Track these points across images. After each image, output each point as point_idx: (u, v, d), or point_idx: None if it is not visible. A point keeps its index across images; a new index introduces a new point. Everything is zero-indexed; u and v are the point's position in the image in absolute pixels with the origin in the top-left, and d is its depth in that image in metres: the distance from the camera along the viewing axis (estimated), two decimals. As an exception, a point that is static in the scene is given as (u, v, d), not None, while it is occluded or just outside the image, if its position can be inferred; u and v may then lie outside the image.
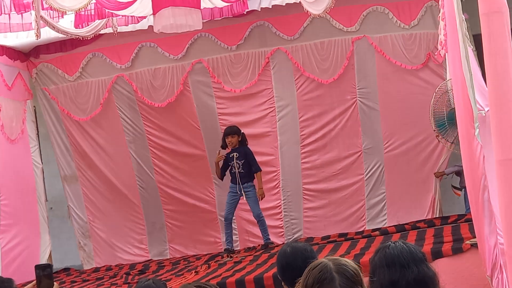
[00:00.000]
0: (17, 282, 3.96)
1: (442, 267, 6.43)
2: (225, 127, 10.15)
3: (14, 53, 10.69)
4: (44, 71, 11.25)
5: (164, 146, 11.04)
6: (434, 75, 10.05)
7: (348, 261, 2.86)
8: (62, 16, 9.12)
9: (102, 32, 9.96)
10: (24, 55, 11.05)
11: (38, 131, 11.50)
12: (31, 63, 11.22)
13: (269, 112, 10.76)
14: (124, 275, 9.40)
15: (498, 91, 4.15)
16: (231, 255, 9.47)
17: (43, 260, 10.54)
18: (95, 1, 8.59)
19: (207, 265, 8.92)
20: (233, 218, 10.08)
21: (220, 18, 10.21)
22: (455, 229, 8.23)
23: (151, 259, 10.95)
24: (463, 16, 5.61)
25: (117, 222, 11.30)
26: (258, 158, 10.09)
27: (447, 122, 8.83)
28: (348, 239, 9.34)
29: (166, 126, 10.98)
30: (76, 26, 9.50)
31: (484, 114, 5.39)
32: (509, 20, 4.21)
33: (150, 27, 9.49)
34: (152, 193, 11.19)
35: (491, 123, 4.26)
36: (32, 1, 8.15)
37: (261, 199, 9.92)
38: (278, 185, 10.73)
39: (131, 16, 9.58)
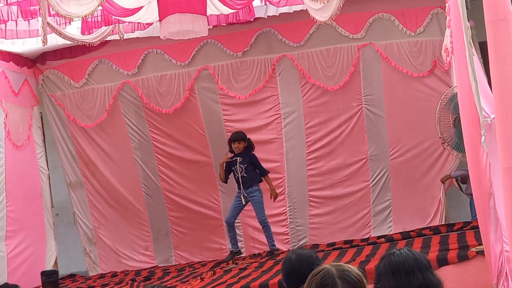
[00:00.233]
0: (23, 288, 3.97)
1: (447, 275, 6.42)
2: (230, 134, 10.16)
3: (21, 60, 10.73)
4: (51, 78, 11.28)
5: (169, 153, 11.05)
6: (440, 82, 10.04)
7: (352, 267, 2.86)
8: (69, 23, 9.16)
9: (108, 38, 10.00)
10: (31, 62, 11.09)
11: (44, 137, 11.52)
12: (37, 70, 11.26)
13: (275, 119, 10.77)
14: (130, 282, 9.40)
15: (504, 98, 4.15)
16: (236, 261, 9.46)
17: (49, 266, 10.54)
18: (101, 8, 8.61)
19: (212, 272, 8.91)
20: (235, 221, 10.05)
21: (226, 25, 10.23)
22: (460, 237, 8.21)
23: (156, 266, 10.96)
24: (469, 23, 5.61)
25: (122, 229, 11.30)
26: (263, 165, 10.09)
27: (453, 130, 8.82)
28: (353, 246, 9.33)
29: (172, 132, 11.00)
30: (83, 33, 9.54)
31: (490, 122, 5.39)
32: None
33: (157, 33, 9.51)
34: (157, 200, 11.19)
35: (496, 130, 4.26)
36: (39, 8, 8.18)
37: (275, 199, 9.94)
38: (283, 191, 10.72)
39: (138, 23, 9.62)
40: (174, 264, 10.96)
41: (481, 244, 6.34)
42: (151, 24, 9.72)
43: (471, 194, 8.06)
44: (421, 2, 10.13)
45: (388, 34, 10.28)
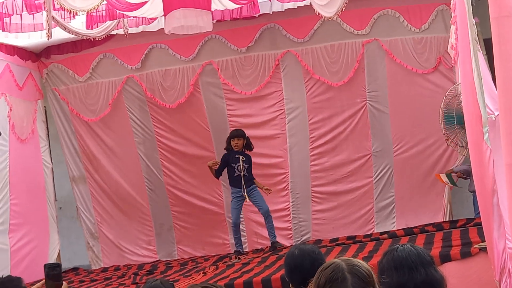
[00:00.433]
0: (26, 281, 3.97)
1: (450, 271, 6.43)
2: (233, 129, 10.18)
3: (25, 54, 10.74)
4: (55, 72, 11.29)
5: (173, 148, 11.06)
6: (444, 78, 10.03)
7: (361, 262, 2.86)
8: (74, 17, 9.17)
9: (113, 33, 10.01)
10: (35, 56, 11.10)
11: (48, 131, 11.53)
12: (42, 64, 11.26)
13: (279, 114, 10.77)
14: (132, 275, 9.42)
15: (508, 94, 4.15)
16: (240, 256, 9.48)
17: (52, 260, 10.57)
18: (106, 2, 8.61)
19: (215, 266, 8.92)
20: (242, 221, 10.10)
21: (230, 20, 10.23)
22: (463, 233, 8.21)
23: (159, 260, 10.97)
24: (474, 20, 5.61)
25: (125, 224, 11.32)
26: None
27: (456, 126, 8.81)
28: (356, 242, 9.34)
29: (176, 127, 11.00)
30: (87, 27, 9.54)
31: (494, 118, 5.39)
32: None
33: (161, 28, 9.52)
34: (160, 195, 11.20)
35: (500, 126, 4.26)
36: (44, 2, 8.17)
37: (270, 192, 9.95)
38: (287, 187, 10.73)
39: (142, 18, 9.62)
40: (176, 258, 10.97)
41: (484, 241, 6.34)
42: (155, 18, 9.71)
43: (475, 191, 8.05)
44: (426, -2, 10.13)
45: (392, 30, 10.27)
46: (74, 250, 11.90)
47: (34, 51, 11.00)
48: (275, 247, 9.73)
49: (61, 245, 11.09)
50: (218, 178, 10.12)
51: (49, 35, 8.40)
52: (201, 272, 8.70)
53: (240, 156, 9.82)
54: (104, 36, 9.80)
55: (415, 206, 10.30)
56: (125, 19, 9.76)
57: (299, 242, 10.29)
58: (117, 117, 11.16)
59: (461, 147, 8.85)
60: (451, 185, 9.72)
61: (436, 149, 10.21)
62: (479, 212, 6.87)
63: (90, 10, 8.59)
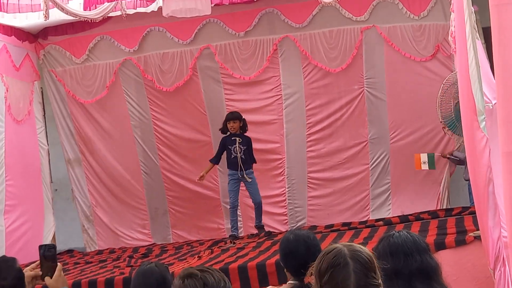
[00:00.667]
0: (21, 262, 3.97)
1: (445, 259, 6.40)
2: (229, 113, 10.18)
3: (22, 34, 10.69)
4: (52, 53, 11.25)
5: (169, 131, 11.04)
6: (442, 66, 10.02)
7: (363, 248, 2.86)
8: (71, -2, 9.11)
9: (110, 15, 9.94)
10: (33, 36, 11.05)
11: (44, 113, 11.50)
12: (39, 45, 11.22)
13: (276, 100, 10.75)
14: (127, 258, 9.43)
15: (506, 83, 4.13)
16: (235, 241, 9.49)
17: (47, 241, 10.52)
18: (104, -16, 8.57)
19: (210, 251, 8.94)
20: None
21: (229, 4, 10.18)
22: (459, 221, 8.23)
23: (154, 243, 10.98)
24: (472, 8, 5.59)
25: (120, 207, 11.31)
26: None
27: (454, 114, 8.82)
28: (351, 229, 9.36)
29: (173, 111, 10.98)
30: (85, 9, 9.47)
31: (491, 107, 5.39)
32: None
33: (159, 11, 9.47)
34: (155, 179, 11.19)
35: (498, 115, 4.25)
36: (42, -18, 8.13)
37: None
38: (283, 172, 10.73)
39: (140, 0, 9.56)
40: (171, 242, 10.98)
41: (479, 229, 6.35)
42: (153, 1, 9.66)
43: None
44: (425, -15, 10.10)
45: (391, 17, 10.24)
46: (69, 232, 11.90)
47: (31, 32, 10.95)
48: (270, 232, 9.75)
49: (56, 227, 11.09)
50: (217, 163, 10.10)
51: (46, 16, 8.36)
52: (196, 256, 8.71)
53: (237, 138, 9.80)
54: (101, 18, 9.73)
55: (411, 193, 10.32)
56: (123, 1, 9.70)
57: (294, 227, 10.31)
58: (114, 100, 11.13)
59: (458, 135, 8.86)
60: (428, 168, 9.63)
61: (433, 137, 10.21)
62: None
63: (88, -8, 8.55)
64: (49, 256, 3.93)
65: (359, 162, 10.54)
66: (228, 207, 10.05)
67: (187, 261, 8.46)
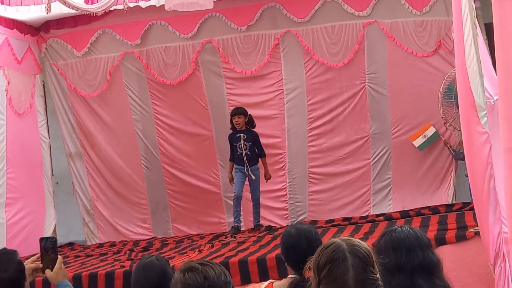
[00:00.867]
0: (22, 255, 3.97)
1: (445, 254, 6.38)
2: (233, 108, 10.16)
3: (24, 27, 10.68)
4: (54, 46, 11.24)
5: (171, 126, 11.03)
6: (444, 62, 10.01)
7: (361, 242, 2.87)
8: (74, -9, 9.10)
9: (112, 8, 9.93)
10: (35, 30, 11.05)
11: (46, 106, 11.50)
12: (41, 38, 11.21)
13: (277, 95, 10.75)
14: (128, 252, 9.44)
15: (508, 79, 4.13)
16: (235, 235, 9.49)
17: (48, 234, 10.55)
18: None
19: (210, 245, 8.94)
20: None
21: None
22: (459, 217, 8.24)
23: (155, 237, 10.99)
24: (473, 4, 5.58)
25: (120, 201, 11.31)
26: (264, 140, 10.11)
27: (455, 110, 8.82)
28: (352, 224, 9.37)
29: (174, 105, 10.97)
30: (87, 2, 9.46)
31: (493, 103, 5.39)
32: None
33: (161, 5, 9.46)
34: (156, 173, 11.19)
35: (500, 110, 4.25)
36: (44, -25, 8.13)
37: (268, 180, 9.96)
38: (284, 167, 10.73)
39: (142, -6, 9.56)
40: (172, 236, 10.99)
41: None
42: (155, -6, 9.67)
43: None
44: (428, -19, 10.08)
45: (393, 12, 10.23)
46: (69, 225, 11.92)
47: (33, 25, 10.95)
48: (270, 227, 9.76)
49: (57, 220, 11.09)
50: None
51: (48, 9, 8.36)
52: (197, 250, 8.72)
53: (242, 135, 9.78)
54: (103, 11, 9.73)
55: (411, 188, 10.32)
56: (125, -5, 9.70)
57: (295, 222, 10.31)
58: (115, 94, 11.13)
59: (459, 130, 8.85)
60: (421, 144, 9.74)
61: (434, 133, 10.21)
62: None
63: (90, -15, 8.54)
64: (50, 248, 3.94)
65: (361, 157, 10.54)
66: (232, 198, 10.02)
67: (188, 255, 8.47)
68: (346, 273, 2.78)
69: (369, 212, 10.34)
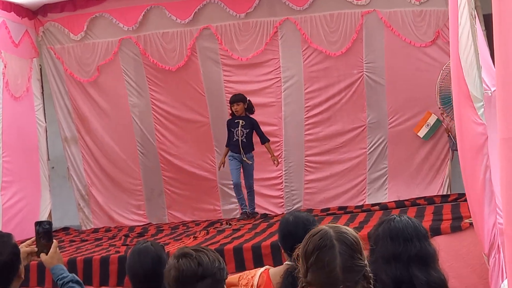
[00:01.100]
0: (17, 239, 3.95)
1: (440, 244, 6.38)
2: (230, 95, 10.14)
3: (22, 11, 10.64)
4: (51, 30, 11.20)
5: (167, 111, 11.01)
6: (442, 52, 9.99)
7: (349, 229, 2.87)
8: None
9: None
10: (32, 13, 11.01)
11: (43, 90, 11.48)
12: (38, 21, 11.17)
13: (275, 82, 10.73)
14: (123, 237, 9.45)
15: (507, 69, 4.12)
16: (230, 222, 9.49)
17: (43, 218, 10.54)
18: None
19: (205, 231, 8.95)
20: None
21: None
22: (454, 208, 8.25)
23: (150, 223, 10.99)
24: (471, -5, 5.56)
25: (115, 187, 11.30)
26: (261, 128, 10.09)
27: (452, 100, 8.81)
28: (347, 213, 9.38)
29: (171, 91, 10.95)
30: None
31: (490, 94, 5.38)
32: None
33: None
34: (152, 160, 11.17)
35: (497, 101, 4.23)
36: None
37: (277, 165, 10.06)
38: (280, 155, 10.71)
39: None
40: (167, 222, 10.99)
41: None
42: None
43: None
44: (427, -30, 10.06)
45: (392, 2, 10.20)
46: (65, 210, 11.91)
47: (31, 9, 10.91)
48: (266, 215, 9.77)
49: (52, 204, 11.09)
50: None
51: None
52: (192, 236, 8.73)
53: (240, 121, 9.77)
54: (101, -5, 9.72)
55: (407, 178, 10.32)
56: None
57: (291, 210, 10.32)
58: (112, 79, 11.09)
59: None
60: (425, 133, 9.81)
61: (431, 123, 10.21)
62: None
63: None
64: (45, 233, 3.93)
65: (357, 146, 10.54)
66: (232, 187, 10.01)
67: (183, 241, 8.48)
68: (334, 260, 2.78)
69: (365, 202, 10.35)
